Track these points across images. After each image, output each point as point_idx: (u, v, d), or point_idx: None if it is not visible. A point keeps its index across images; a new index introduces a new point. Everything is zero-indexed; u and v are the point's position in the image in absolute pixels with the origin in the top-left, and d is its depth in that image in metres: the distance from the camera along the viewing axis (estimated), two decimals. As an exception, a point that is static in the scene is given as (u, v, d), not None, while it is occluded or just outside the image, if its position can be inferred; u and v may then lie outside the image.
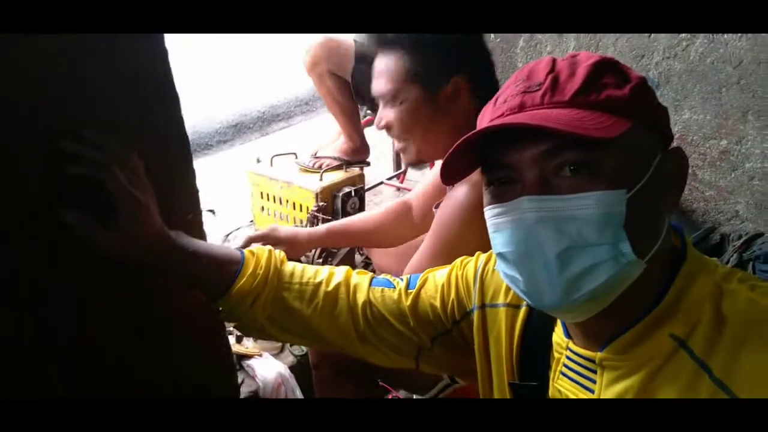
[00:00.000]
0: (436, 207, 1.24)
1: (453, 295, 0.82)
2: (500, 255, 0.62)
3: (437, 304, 0.82)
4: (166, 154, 0.81)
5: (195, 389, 0.97)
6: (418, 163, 1.26)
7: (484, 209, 0.63)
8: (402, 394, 1.68)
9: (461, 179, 0.69)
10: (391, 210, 1.54)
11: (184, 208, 0.86)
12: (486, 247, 0.68)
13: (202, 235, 0.91)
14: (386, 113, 1.19)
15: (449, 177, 0.67)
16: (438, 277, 0.85)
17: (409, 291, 0.84)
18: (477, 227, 0.64)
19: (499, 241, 0.61)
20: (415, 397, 1.29)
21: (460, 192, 1.11)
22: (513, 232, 0.58)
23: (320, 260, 1.57)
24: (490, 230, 0.63)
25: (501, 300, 0.77)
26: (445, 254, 1.09)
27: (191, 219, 0.87)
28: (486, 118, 0.63)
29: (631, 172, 0.56)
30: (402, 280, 0.87)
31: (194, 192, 0.86)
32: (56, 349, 0.76)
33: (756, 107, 1.45)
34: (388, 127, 1.20)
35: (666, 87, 1.58)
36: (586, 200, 0.55)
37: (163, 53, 0.76)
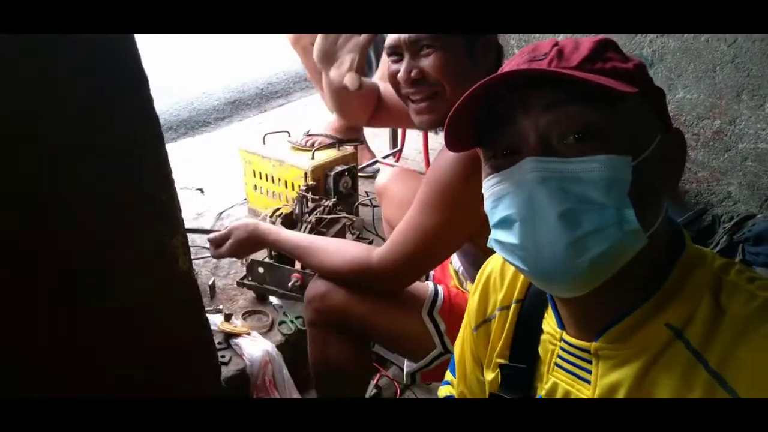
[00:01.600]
0: None
1: (470, 355, 0.86)
2: (499, 223, 0.60)
3: (477, 370, 0.85)
4: (136, 135, 0.80)
5: (171, 369, 0.98)
6: (440, 120, 1.17)
7: (483, 183, 0.62)
8: (390, 373, 1.70)
9: (463, 148, 0.66)
10: None
11: (157, 188, 0.85)
12: (478, 200, 0.65)
13: (178, 215, 0.91)
14: (417, 62, 1.14)
15: (454, 138, 0.64)
16: (457, 355, 0.89)
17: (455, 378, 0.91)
18: (471, 181, 0.63)
19: (498, 208, 0.59)
20: (407, 363, 1.28)
21: None
22: (514, 195, 0.57)
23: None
24: (488, 205, 0.61)
25: (497, 308, 0.78)
26: (437, 206, 1.09)
27: (164, 199, 0.87)
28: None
29: (636, 142, 0.56)
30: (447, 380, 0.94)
31: (167, 172, 0.86)
32: (30, 342, 0.76)
33: (750, 86, 1.43)
34: (420, 77, 1.14)
35: (660, 65, 1.55)
36: (592, 163, 0.54)
37: (129, 37, 0.75)
